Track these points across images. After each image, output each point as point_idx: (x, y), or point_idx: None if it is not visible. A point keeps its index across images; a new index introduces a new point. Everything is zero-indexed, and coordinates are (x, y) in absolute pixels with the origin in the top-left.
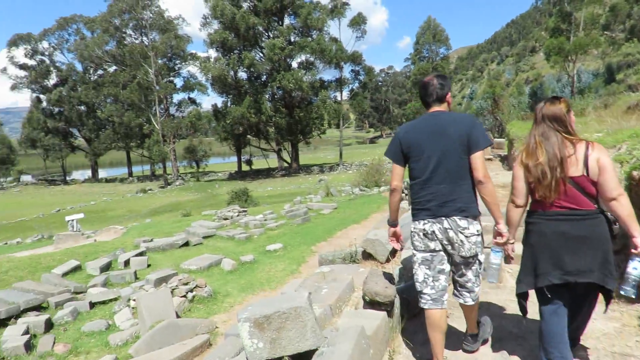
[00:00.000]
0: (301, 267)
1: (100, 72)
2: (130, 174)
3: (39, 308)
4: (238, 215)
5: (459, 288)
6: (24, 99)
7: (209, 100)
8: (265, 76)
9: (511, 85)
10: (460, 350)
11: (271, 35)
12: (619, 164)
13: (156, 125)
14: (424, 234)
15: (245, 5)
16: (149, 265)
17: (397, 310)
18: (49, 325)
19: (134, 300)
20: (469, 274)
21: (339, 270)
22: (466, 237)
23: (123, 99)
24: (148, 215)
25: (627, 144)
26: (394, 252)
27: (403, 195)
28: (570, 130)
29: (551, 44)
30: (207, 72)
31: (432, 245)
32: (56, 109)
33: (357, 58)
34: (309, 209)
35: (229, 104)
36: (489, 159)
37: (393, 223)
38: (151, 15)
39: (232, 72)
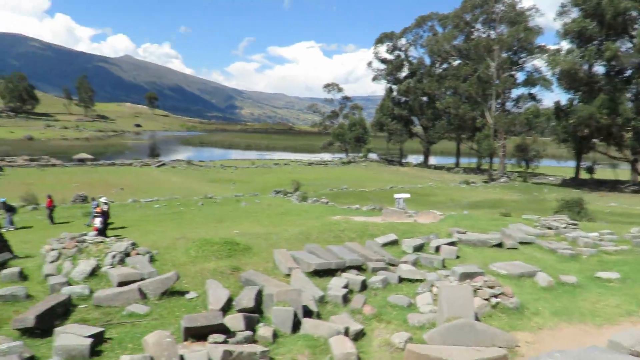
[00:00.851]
0: None
1: (444, 65)
2: (457, 164)
3: (359, 268)
4: (565, 228)
5: None
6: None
7: (551, 97)
8: (630, 71)
9: None
10: None
11: None
12: None
13: (489, 120)
14: None
15: None
16: (457, 257)
17: None
18: (364, 286)
19: (437, 287)
20: None
21: None
22: None
23: (461, 92)
24: (467, 207)
25: None
26: None
27: None
28: None
29: None
30: (554, 65)
31: None
32: (402, 99)
33: None
34: None
35: (575, 101)
36: None
37: None
38: (503, 7)
39: (585, 66)
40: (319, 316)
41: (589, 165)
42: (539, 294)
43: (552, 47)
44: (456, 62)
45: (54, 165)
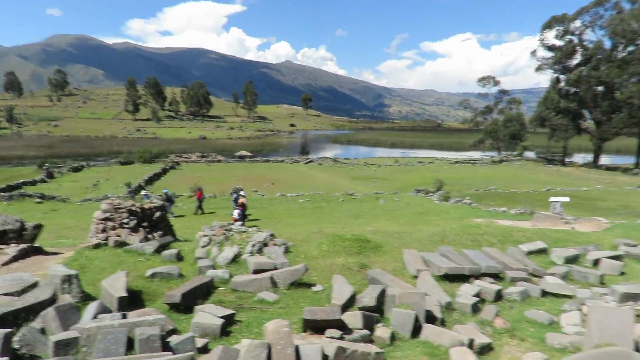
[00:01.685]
0: None
1: (630, 48)
2: (638, 164)
3: (495, 276)
4: None
5: None
6: (544, 80)
7: None
8: None
9: None
10: None
11: None
12: None
13: None
14: None
15: None
16: (622, 274)
17: None
18: (498, 297)
19: (588, 306)
20: None
21: None
22: None
23: None
24: None
25: None
26: None
27: None
28: None
29: None
30: None
31: None
32: (572, 89)
33: None
34: None
35: None
36: None
37: None
38: None
39: None
40: (443, 323)
41: None
42: None
43: None
44: None
45: (219, 161)
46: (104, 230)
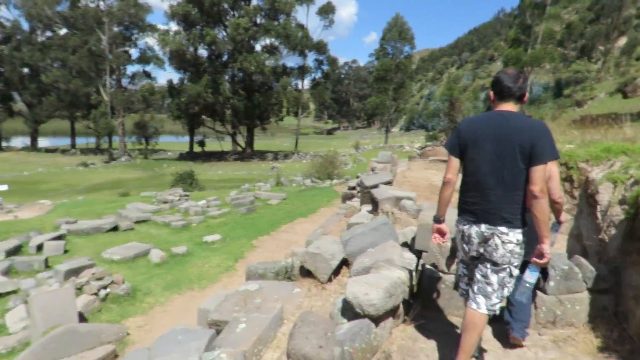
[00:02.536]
0: (238, 263)
1: (48, 33)
2: (73, 145)
3: None
4: (179, 200)
5: (475, 289)
6: None
7: (165, 75)
8: (226, 56)
9: (468, 89)
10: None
11: (236, 14)
12: (611, 184)
13: (105, 97)
14: (461, 236)
15: None
16: (66, 251)
17: None
18: None
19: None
20: (493, 279)
21: (268, 290)
22: (502, 242)
23: (71, 65)
24: (85, 191)
25: (621, 162)
26: (338, 270)
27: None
28: None
29: (510, 54)
30: (165, 45)
31: (467, 248)
32: None
33: (322, 47)
34: (256, 197)
35: (185, 81)
36: (444, 161)
37: (439, 219)
38: None
39: (191, 48)
40: None
41: (200, 139)
42: (153, 271)
43: (163, 27)
44: (63, 31)
45: None
46: None
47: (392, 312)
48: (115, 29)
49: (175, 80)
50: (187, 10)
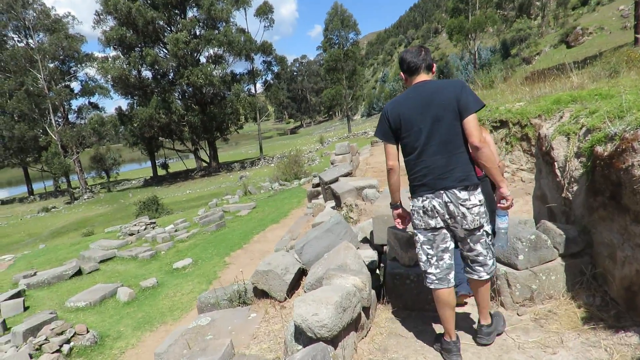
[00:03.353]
0: (212, 285)
1: None
2: (31, 192)
3: None
4: (145, 229)
5: (470, 264)
6: None
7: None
8: (172, 73)
9: None
10: (475, 343)
11: (174, 30)
12: (564, 137)
13: (53, 136)
14: (423, 212)
15: None
16: (26, 308)
17: None
18: None
19: None
20: (478, 247)
21: (221, 322)
22: (468, 209)
23: (11, 110)
24: (49, 237)
25: (570, 111)
26: (297, 282)
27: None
28: None
29: (452, 24)
30: (106, 73)
31: (432, 222)
32: None
33: (267, 48)
34: (225, 211)
35: (135, 105)
36: None
37: (395, 205)
38: (34, 14)
39: (134, 72)
40: None
41: (163, 162)
42: (122, 311)
43: (101, 54)
44: None
45: None
46: None
47: (352, 326)
48: (51, 65)
49: (125, 107)
50: (121, 33)
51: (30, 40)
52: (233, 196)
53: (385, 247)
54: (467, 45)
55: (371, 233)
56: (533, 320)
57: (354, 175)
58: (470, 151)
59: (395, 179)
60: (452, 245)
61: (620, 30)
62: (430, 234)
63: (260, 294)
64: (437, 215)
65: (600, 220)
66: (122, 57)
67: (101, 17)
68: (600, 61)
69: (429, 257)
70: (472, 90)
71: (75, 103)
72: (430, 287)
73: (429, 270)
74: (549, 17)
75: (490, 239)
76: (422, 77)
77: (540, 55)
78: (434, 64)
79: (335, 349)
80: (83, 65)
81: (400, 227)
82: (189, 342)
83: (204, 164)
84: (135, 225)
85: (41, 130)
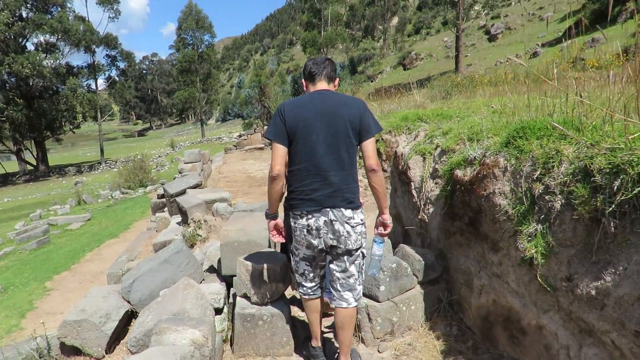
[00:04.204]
0: (26, 318)
1: None
2: None
3: None
4: None
5: (339, 288)
6: None
7: None
8: None
9: (275, 74)
10: None
11: None
12: (420, 156)
13: None
14: (307, 231)
15: None
16: None
17: None
18: None
19: None
20: (352, 269)
21: None
22: (352, 227)
23: None
24: None
25: (425, 130)
26: (124, 327)
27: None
28: None
29: (306, 37)
30: None
31: (315, 242)
32: None
33: (111, 41)
34: (51, 225)
35: None
36: (261, 148)
37: (273, 215)
38: None
39: None
40: None
41: None
42: None
43: None
44: None
45: None
46: None
47: None
48: None
49: None
50: None
51: None
52: (63, 206)
53: (235, 278)
54: None
55: (219, 261)
56: (394, 357)
57: (204, 186)
58: (366, 174)
59: (279, 187)
60: (328, 258)
61: (444, 58)
62: (310, 253)
63: (71, 350)
64: (321, 236)
65: (457, 246)
66: None
67: None
68: (434, 84)
69: (306, 272)
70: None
71: None
72: (304, 297)
73: (304, 283)
74: (389, 40)
75: (363, 262)
76: (323, 85)
77: (382, 74)
78: (337, 79)
79: None
80: None
81: (276, 240)
82: None
83: (30, 167)
84: None
85: None
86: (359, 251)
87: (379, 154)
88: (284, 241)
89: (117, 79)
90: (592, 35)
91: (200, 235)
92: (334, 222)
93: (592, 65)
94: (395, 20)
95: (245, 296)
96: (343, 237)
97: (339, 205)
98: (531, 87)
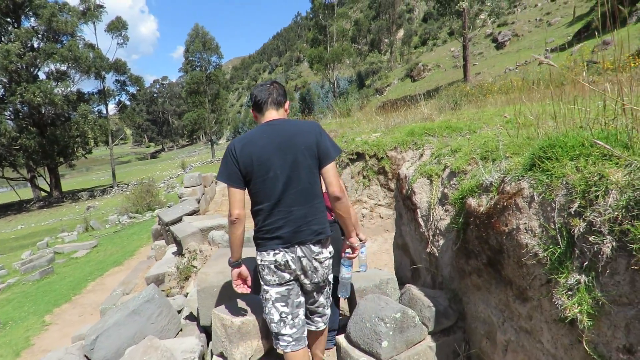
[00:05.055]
0: (20, 357)
1: None
2: None
3: None
4: None
5: (310, 315)
6: None
7: None
8: (1, 90)
9: None
10: None
11: (5, 40)
12: (426, 179)
13: None
14: (276, 266)
15: None
16: None
17: None
18: None
19: None
20: (321, 299)
21: None
22: (320, 262)
23: None
24: None
25: (431, 148)
26: None
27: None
28: None
29: (313, 53)
30: None
31: (286, 276)
32: None
33: (120, 67)
34: (57, 253)
35: None
36: None
37: (237, 262)
38: None
39: None
40: None
41: None
42: None
43: None
44: None
45: None
46: None
47: None
48: None
49: None
50: None
51: None
52: (71, 233)
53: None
54: (327, 75)
55: (198, 309)
56: None
57: (206, 210)
58: (329, 201)
59: (241, 232)
60: (303, 299)
61: (452, 68)
62: (284, 289)
63: None
64: (290, 268)
65: (475, 289)
66: None
67: None
68: (442, 94)
69: (284, 315)
70: (326, 130)
71: None
72: (286, 350)
73: (283, 332)
74: (396, 53)
75: (330, 287)
76: (272, 114)
77: (390, 86)
78: (287, 101)
79: None
80: None
81: (241, 290)
82: None
83: (43, 194)
84: None
85: None
86: (326, 282)
87: (384, 171)
88: (249, 291)
89: (127, 103)
90: (603, 38)
91: (196, 267)
92: (301, 259)
93: (606, 68)
94: (401, 33)
95: (222, 355)
96: (310, 272)
97: (306, 241)
98: (544, 93)
